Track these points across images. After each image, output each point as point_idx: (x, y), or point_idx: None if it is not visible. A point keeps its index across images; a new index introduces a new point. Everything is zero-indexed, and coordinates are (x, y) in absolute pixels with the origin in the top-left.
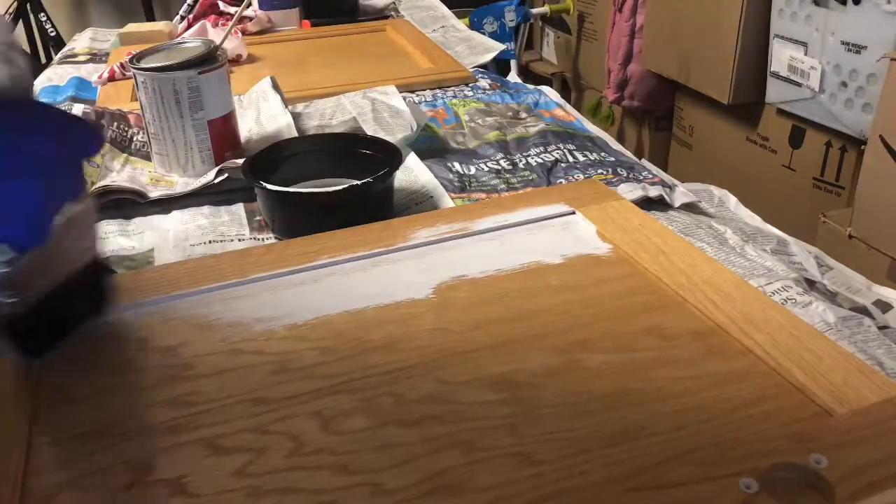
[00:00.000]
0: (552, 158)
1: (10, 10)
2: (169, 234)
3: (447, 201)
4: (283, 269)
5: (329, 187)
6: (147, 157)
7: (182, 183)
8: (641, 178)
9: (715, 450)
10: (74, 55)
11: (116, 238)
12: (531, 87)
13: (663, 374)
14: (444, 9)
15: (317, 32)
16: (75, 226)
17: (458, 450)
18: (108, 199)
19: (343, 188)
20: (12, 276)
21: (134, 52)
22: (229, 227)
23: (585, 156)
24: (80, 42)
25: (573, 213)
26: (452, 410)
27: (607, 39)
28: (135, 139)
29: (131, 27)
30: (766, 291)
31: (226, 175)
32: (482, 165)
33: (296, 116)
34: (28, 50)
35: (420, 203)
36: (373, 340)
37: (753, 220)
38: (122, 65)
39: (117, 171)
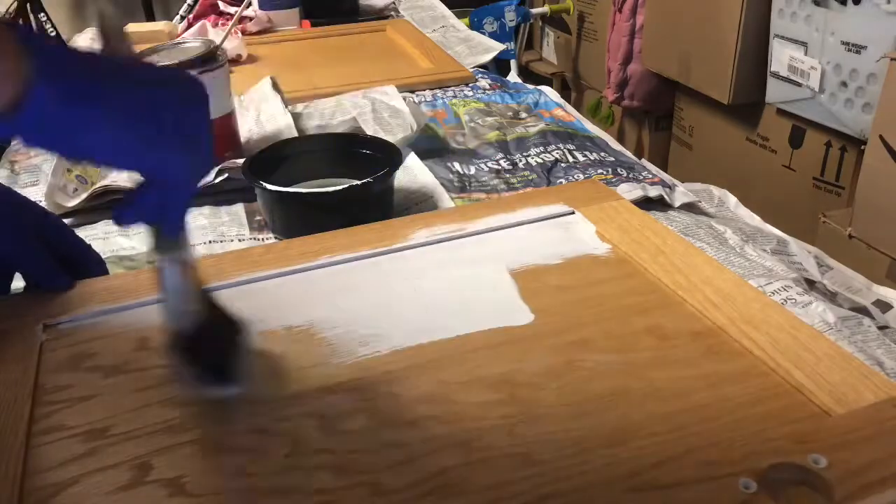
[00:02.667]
0: (552, 158)
1: (11, 10)
2: None
3: (447, 201)
4: (284, 268)
5: (329, 187)
6: None
7: None
8: (641, 178)
9: (714, 450)
10: None
11: (116, 238)
12: (531, 87)
13: (663, 374)
14: (444, 9)
15: (317, 32)
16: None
17: (457, 450)
18: (108, 200)
19: (343, 188)
20: None
21: None
22: (229, 227)
23: (585, 156)
24: (80, 42)
25: (573, 213)
26: (452, 410)
27: (607, 39)
28: None
29: (131, 27)
30: (765, 291)
31: (226, 175)
32: (482, 165)
33: (296, 116)
34: None
35: (420, 203)
36: (373, 340)
37: (753, 220)
38: None
39: (117, 171)
